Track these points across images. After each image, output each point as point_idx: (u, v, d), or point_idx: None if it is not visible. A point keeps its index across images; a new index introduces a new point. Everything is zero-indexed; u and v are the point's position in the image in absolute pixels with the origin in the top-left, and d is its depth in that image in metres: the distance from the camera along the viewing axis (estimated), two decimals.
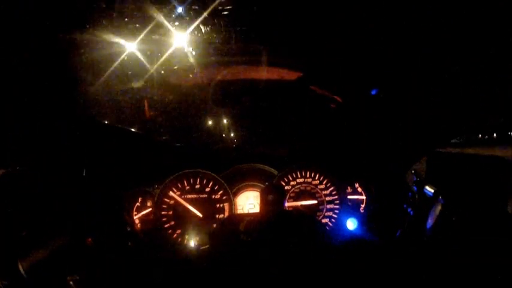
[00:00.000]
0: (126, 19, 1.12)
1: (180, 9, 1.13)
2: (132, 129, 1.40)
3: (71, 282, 1.14)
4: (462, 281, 1.11)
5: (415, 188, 1.41)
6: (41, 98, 1.14)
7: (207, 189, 1.51)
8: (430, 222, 1.26)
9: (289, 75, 1.34)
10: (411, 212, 1.40)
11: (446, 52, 1.11)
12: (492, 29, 0.98)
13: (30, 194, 1.15)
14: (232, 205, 1.51)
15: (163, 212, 1.48)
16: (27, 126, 1.16)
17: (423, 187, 1.36)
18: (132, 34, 1.17)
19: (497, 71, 1.09)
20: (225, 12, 1.12)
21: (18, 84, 1.07)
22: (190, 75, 1.32)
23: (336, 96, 1.43)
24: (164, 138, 1.47)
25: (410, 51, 1.16)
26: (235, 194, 1.54)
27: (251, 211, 1.55)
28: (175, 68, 1.28)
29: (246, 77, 1.36)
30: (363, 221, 1.56)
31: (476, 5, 0.93)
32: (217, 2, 1.12)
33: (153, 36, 1.18)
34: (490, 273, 1.06)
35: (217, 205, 1.52)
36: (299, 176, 1.58)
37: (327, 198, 1.59)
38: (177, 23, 1.16)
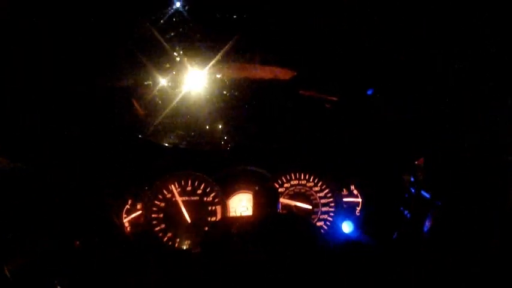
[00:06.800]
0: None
1: (174, 8, 1.12)
2: (122, 130, 1.37)
3: (59, 286, 1.11)
4: (460, 285, 1.09)
5: (412, 190, 1.39)
6: (30, 97, 1.11)
7: (199, 192, 1.48)
8: (427, 225, 1.24)
9: (284, 74, 1.32)
10: (408, 215, 1.39)
11: (444, 50, 1.09)
12: (489, 29, 0.97)
13: (17, 196, 1.12)
14: (224, 208, 1.48)
15: (153, 215, 1.45)
16: (14, 127, 1.14)
17: (421, 189, 1.34)
18: (124, 31, 1.15)
19: (496, 69, 1.08)
20: (220, 9, 1.11)
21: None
22: (183, 74, 1.29)
23: (331, 96, 1.40)
24: (155, 139, 1.44)
25: (408, 49, 1.15)
26: (228, 196, 1.51)
27: (244, 214, 1.52)
28: (166, 66, 1.26)
29: (239, 76, 1.34)
30: (358, 224, 1.53)
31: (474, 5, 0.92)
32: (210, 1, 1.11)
33: (146, 34, 1.16)
34: (489, 275, 1.05)
35: (209, 208, 1.48)
36: (293, 178, 1.55)
37: (322, 201, 1.56)
38: (169, 21, 1.14)
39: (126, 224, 1.46)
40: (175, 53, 1.23)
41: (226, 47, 1.22)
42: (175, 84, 1.31)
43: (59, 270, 1.13)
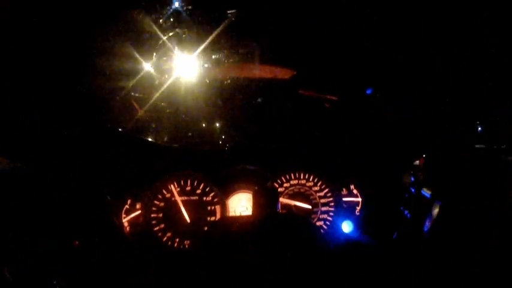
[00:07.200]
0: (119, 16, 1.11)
1: (173, 7, 1.12)
2: (121, 130, 1.37)
3: (58, 286, 1.11)
4: (460, 284, 1.09)
5: (412, 190, 1.39)
6: (30, 97, 1.11)
7: (198, 191, 1.47)
8: (427, 224, 1.24)
9: (283, 73, 1.32)
10: (408, 215, 1.38)
11: (444, 50, 1.09)
12: (488, 29, 0.97)
13: (17, 196, 1.12)
14: (224, 207, 1.47)
15: (152, 215, 1.44)
16: (14, 127, 1.13)
17: (421, 188, 1.34)
18: (123, 31, 1.15)
19: (496, 69, 1.08)
20: (219, 10, 1.11)
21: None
22: (182, 74, 1.29)
23: (330, 96, 1.40)
24: (154, 138, 1.44)
25: (407, 49, 1.14)
26: (227, 196, 1.50)
27: (243, 213, 1.51)
28: (166, 66, 1.26)
29: (238, 76, 1.34)
30: (358, 223, 1.53)
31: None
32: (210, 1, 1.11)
33: (144, 34, 1.16)
34: (488, 275, 1.04)
35: (209, 207, 1.47)
36: (293, 177, 1.54)
37: (322, 201, 1.55)
38: (169, 21, 1.14)
39: (126, 224, 1.45)
40: (174, 52, 1.23)
41: (226, 46, 1.22)
42: (174, 84, 1.31)
43: (59, 270, 1.13)
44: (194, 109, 1.38)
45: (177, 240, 1.45)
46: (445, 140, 1.31)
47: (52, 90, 1.14)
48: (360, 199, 1.57)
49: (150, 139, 1.43)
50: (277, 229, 1.00)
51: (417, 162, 1.41)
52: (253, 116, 1.43)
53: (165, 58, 1.25)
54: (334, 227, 1.53)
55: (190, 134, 1.47)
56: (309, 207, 1.54)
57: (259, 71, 1.30)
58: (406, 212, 1.39)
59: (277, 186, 1.53)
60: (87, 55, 1.16)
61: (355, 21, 1.10)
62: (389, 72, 1.24)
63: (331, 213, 1.55)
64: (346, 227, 1.52)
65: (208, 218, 1.48)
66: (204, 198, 1.48)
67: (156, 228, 1.44)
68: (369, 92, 1.33)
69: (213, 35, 1.17)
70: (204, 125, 1.46)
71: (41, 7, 0.97)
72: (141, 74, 1.26)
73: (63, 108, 1.20)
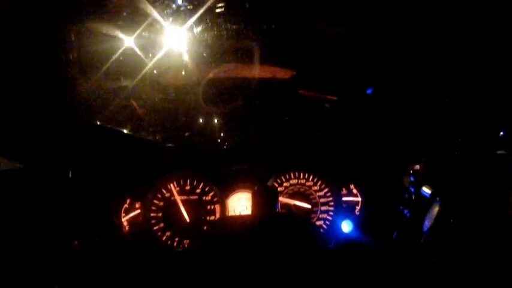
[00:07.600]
0: (118, 15, 1.10)
1: (174, 6, 1.12)
2: (120, 129, 1.37)
3: (57, 286, 1.11)
4: (460, 284, 1.09)
5: (412, 189, 1.39)
6: (30, 97, 1.11)
7: (198, 191, 1.47)
8: (427, 224, 1.24)
9: (283, 73, 1.32)
10: (408, 214, 1.38)
11: (444, 51, 1.09)
12: (488, 30, 0.97)
13: (17, 196, 1.12)
14: (223, 207, 1.47)
15: (152, 214, 1.44)
16: (14, 127, 1.13)
17: (420, 188, 1.34)
18: (124, 31, 1.15)
19: (496, 70, 1.08)
20: (218, 10, 1.11)
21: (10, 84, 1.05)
22: (181, 73, 1.29)
23: (330, 96, 1.40)
24: (154, 138, 1.44)
25: (407, 50, 1.14)
26: (227, 196, 1.50)
27: (243, 213, 1.51)
28: (166, 65, 1.26)
29: (238, 75, 1.34)
30: (358, 223, 1.53)
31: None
32: (211, 0, 1.11)
33: (145, 33, 1.16)
34: (489, 276, 1.05)
35: (208, 207, 1.47)
36: (292, 177, 1.54)
37: (321, 200, 1.55)
38: (170, 20, 1.14)
39: (125, 224, 1.44)
40: (174, 51, 1.23)
41: (226, 46, 1.22)
42: (174, 84, 1.31)
43: (59, 270, 1.13)
44: (194, 108, 1.38)
45: (177, 239, 1.45)
46: (445, 141, 1.31)
47: (52, 90, 1.14)
48: (359, 199, 1.57)
49: (149, 138, 1.43)
50: (276, 228, 1.00)
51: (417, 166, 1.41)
52: (253, 115, 1.43)
53: (165, 58, 1.24)
54: (334, 226, 1.53)
55: (190, 133, 1.47)
56: (309, 206, 1.53)
57: (259, 71, 1.30)
58: (406, 211, 1.39)
59: (276, 185, 1.52)
60: (87, 55, 1.16)
61: (355, 22, 1.10)
62: (390, 73, 1.24)
63: (331, 213, 1.55)
64: (346, 226, 1.52)
65: (208, 218, 1.48)
66: (204, 198, 1.48)
67: (155, 228, 1.44)
68: (369, 92, 1.33)
69: (213, 34, 1.17)
70: (203, 124, 1.46)
71: (41, 6, 0.96)
72: (141, 74, 1.26)
73: (63, 108, 1.20)
